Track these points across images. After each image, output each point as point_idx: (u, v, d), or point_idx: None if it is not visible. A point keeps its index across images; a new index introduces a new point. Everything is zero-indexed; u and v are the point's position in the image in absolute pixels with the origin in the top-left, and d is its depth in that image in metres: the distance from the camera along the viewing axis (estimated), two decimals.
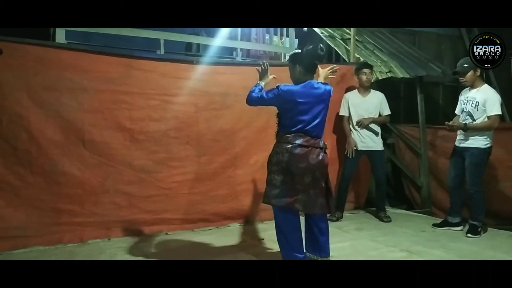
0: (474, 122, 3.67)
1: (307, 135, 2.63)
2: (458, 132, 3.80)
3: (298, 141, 2.60)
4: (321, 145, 2.68)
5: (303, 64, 2.67)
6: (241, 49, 4.93)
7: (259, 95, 2.73)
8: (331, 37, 5.27)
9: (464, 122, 3.71)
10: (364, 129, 4.30)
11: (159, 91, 3.79)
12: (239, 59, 5.22)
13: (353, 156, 4.29)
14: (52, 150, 3.41)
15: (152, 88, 3.76)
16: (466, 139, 3.72)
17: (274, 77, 2.93)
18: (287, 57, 2.73)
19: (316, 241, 2.76)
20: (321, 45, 2.66)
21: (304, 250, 2.75)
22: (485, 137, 3.65)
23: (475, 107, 3.69)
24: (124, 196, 3.67)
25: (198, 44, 4.98)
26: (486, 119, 3.63)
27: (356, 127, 4.31)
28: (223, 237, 3.66)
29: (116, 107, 3.63)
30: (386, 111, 4.39)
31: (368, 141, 4.31)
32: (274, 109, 4.28)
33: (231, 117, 4.11)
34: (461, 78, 3.77)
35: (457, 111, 3.98)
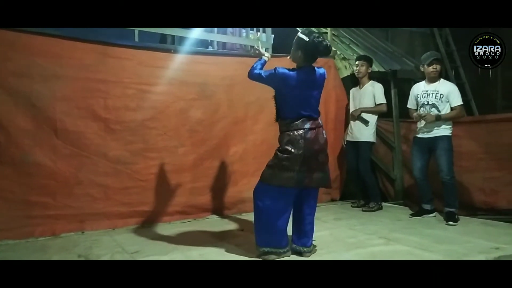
0: (441, 113, 3.83)
1: (311, 118, 2.71)
2: (421, 124, 3.93)
3: (307, 125, 2.69)
4: (321, 123, 2.81)
5: (304, 52, 2.70)
6: (218, 42, 4.88)
7: (259, 72, 2.78)
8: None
9: (436, 113, 3.82)
10: (357, 121, 4.44)
11: (135, 79, 3.71)
12: None
13: (345, 146, 4.65)
14: (22, 139, 3.27)
15: (129, 76, 3.68)
16: (433, 130, 3.86)
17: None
18: (299, 35, 2.71)
19: (303, 230, 2.85)
20: (328, 43, 2.69)
21: (287, 243, 2.82)
22: (450, 126, 3.88)
23: (439, 99, 3.85)
24: (99, 188, 3.57)
25: (173, 36, 4.89)
26: (449, 110, 3.84)
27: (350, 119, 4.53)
28: (202, 229, 3.61)
29: (90, 96, 3.53)
30: (379, 100, 4.40)
31: (355, 132, 4.46)
32: (252, 101, 4.29)
33: (210, 108, 4.07)
34: (435, 67, 3.86)
35: (411, 105, 4.13)
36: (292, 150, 2.64)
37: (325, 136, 2.79)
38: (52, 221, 3.38)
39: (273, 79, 2.71)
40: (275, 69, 2.69)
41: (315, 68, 2.78)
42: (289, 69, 2.71)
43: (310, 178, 2.71)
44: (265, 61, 2.88)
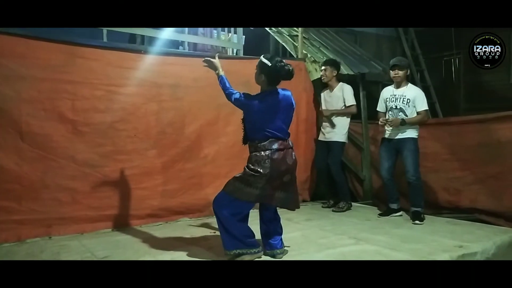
0: (407, 117, 3.94)
1: (279, 139, 2.72)
2: (388, 127, 4.04)
3: (274, 146, 2.69)
4: (291, 144, 2.81)
5: (267, 76, 2.72)
6: (188, 43, 4.86)
7: (232, 96, 2.77)
8: (279, 33, 5.35)
9: (401, 118, 3.93)
10: (327, 122, 4.53)
11: (104, 81, 3.64)
12: None
13: (315, 146, 4.76)
14: None
15: (97, 77, 3.61)
16: (401, 132, 3.97)
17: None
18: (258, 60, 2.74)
19: (271, 233, 2.91)
20: (290, 68, 2.70)
21: (255, 244, 2.84)
22: (416, 128, 4.01)
23: (406, 104, 3.97)
24: (66, 192, 3.48)
25: (143, 36, 4.83)
26: (415, 114, 3.95)
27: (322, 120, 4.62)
28: (173, 232, 3.58)
29: (57, 97, 3.44)
30: (348, 102, 4.45)
31: (327, 132, 4.55)
32: (224, 103, 4.24)
33: (181, 110, 4.03)
34: (396, 73, 3.97)
35: (380, 109, 4.24)
36: (259, 170, 2.66)
37: (294, 157, 2.78)
38: (17, 226, 3.27)
39: (239, 104, 2.75)
40: (240, 95, 2.74)
41: (279, 90, 2.77)
42: (252, 96, 2.74)
43: (271, 197, 2.73)
44: (222, 76, 2.87)
